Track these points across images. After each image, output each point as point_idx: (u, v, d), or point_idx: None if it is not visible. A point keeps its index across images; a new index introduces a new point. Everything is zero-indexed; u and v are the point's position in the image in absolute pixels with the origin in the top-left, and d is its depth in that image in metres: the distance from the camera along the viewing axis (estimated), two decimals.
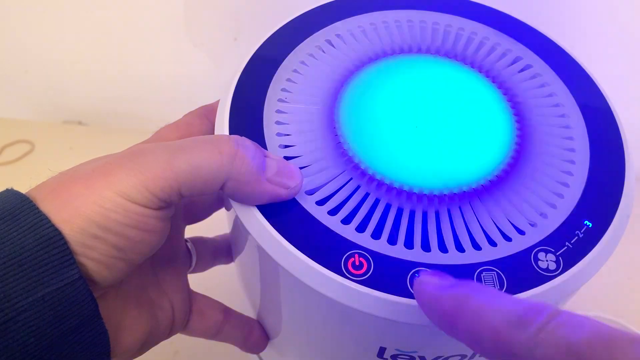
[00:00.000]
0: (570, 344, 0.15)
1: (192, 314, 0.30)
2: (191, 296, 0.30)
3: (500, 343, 0.17)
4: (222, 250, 0.35)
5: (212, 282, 0.36)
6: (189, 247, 0.32)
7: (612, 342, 0.15)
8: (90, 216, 0.20)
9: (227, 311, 0.32)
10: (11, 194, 0.21)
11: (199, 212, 0.32)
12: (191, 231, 0.32)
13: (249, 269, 0.29)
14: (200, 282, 0.33)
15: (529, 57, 0.30)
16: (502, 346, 0.17)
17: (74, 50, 0.56)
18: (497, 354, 0.17)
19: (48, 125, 0.62)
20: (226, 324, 0.31)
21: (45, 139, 0.60)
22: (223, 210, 0.32)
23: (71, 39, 0.55)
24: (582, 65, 0.30)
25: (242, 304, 0.34)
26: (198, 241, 0.33)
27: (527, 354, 0.16)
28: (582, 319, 0.16)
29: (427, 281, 0.20)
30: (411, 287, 0.22)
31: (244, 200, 0.24)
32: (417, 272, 0.22)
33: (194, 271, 0.33)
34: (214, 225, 0.35)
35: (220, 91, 0.28)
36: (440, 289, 0.19)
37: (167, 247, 0.28)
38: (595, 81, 0.29)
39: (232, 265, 0.35)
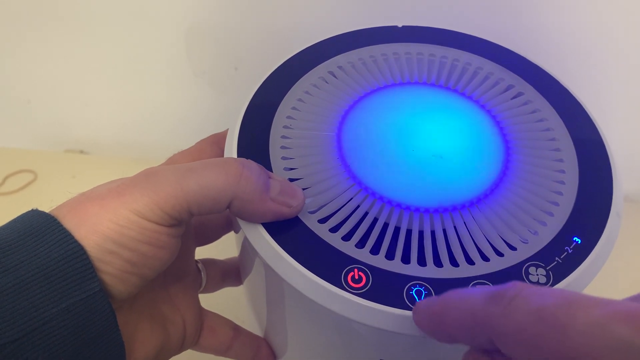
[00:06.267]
0: (539, 309, 0.16)
1: (204, 331, 0.31)
2: (202, 313, 0.32)
3: (480, 321, 0.18)
4: (231, 273, 0.36)
5: (221, 303, 0.37)
6: (200, 267, 0.33)
7: (576, 303, 0.16)
8: (106, 233, 0.22)
9: (236, 329, 0.33)
10: (36, 213, 0.22)
11: (209, 234, 0.34)
12: (202, 253, 0.34)
13: (257, 287, 0.31)
14: (210, 302, 0.34)
15: (521, 85, 0.32)
16: (482, 323, 0.18)
17: (76, 80, 0.57)
18: (480, 334, 0.18)
19: (50, 154, 0.62)
20: (236, 341, 0.32)
21: (47, 168, 0.60)
22: (231, 235, 0.34)
23: (73, 70, 0.56)
24: (571, 92, 0.31)
25: (250, 325, 0.35)
26: (208, 262, 0.34)
27: (503, 324, 0.17)
28: (548, 289, 0.17)
29: (420, 303, 0.22)
30: (410, 303, 0.23)
31: (250, 218, 0.25)
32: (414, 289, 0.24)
33: (204, 291, 0.34)
34: (223, 250, 0.37)
35: (222, 119, 0.30)
36: (430, 300, 0.21)
37: (179, 265, 0.29)
38: (584, 106, 0.31)
39: (240, 287, 0.37)
